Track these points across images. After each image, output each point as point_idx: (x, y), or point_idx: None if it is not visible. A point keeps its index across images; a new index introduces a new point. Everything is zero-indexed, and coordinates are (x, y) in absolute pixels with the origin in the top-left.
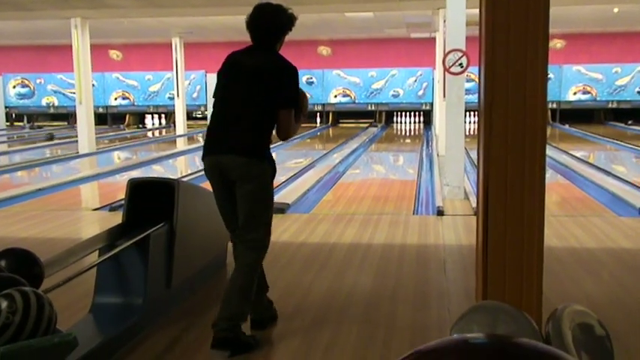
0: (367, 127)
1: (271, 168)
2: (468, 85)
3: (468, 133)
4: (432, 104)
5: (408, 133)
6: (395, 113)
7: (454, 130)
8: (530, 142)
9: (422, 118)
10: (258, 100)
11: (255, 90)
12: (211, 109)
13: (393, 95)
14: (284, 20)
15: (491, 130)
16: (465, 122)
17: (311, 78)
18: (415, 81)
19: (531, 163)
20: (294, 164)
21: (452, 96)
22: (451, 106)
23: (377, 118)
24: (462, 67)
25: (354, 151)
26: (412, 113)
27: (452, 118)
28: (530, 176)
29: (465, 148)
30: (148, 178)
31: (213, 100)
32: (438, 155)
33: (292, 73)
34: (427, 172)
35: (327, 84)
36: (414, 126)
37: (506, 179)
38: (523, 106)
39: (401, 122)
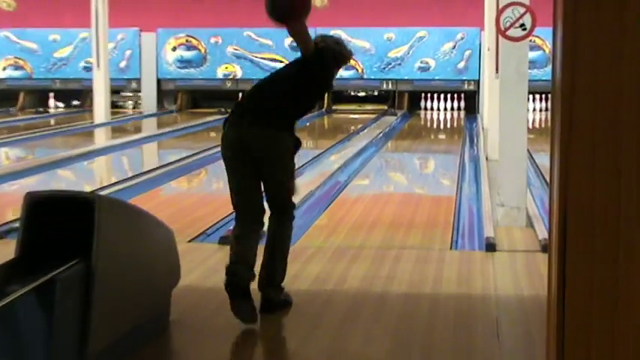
0: (381, 116)
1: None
2: (533, 54)
3: (532, 126)
4: (478, 83)
5: (441, 126)
6: (423, 95)
7: (512, 123)
8: (629, 143)
9: (463, 104)
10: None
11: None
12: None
13: (420, 68)
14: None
15: (571, 125)
16: (529, 110)
17: None
18: (454, 48)
19: (630, 176)
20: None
21: (509, 71)
22: (508, 87)
23: (396, 101)
24: (524, 29)
25: (360, 151)
26: (448, 96)
27: (509, 104)
28: (629, 194)
29: (528, 150)
30: (54, 191)
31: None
32: (487, 160)
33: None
34: (471, 186)
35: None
36: (451, 114)
37: (593, 199)
38: (620, 89)
39: (431, 108)
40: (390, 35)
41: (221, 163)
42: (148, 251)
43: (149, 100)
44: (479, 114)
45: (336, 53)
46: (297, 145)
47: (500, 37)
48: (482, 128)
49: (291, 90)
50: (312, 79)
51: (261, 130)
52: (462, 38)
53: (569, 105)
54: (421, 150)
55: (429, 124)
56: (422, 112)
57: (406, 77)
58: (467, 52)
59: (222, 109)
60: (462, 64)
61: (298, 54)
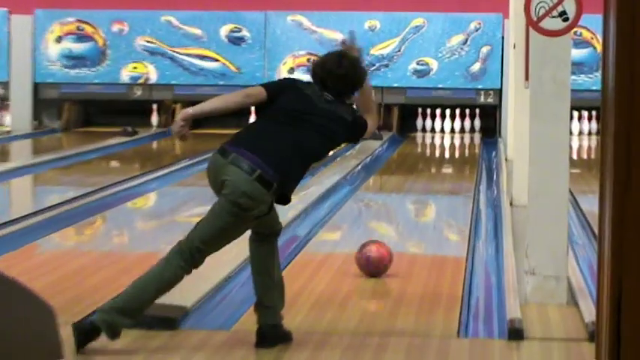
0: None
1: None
2: (578, 53)
3: (578, 157)
4: (499, 93)
5: (446, 155)
6: (420, 111)
7: (548, 152)
8: None
9: (478, 123)
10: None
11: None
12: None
13: (416, 72)
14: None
15: (629, 156)
16: (573, 134)
17: (239, 29)
18: (465, 43)
19: None
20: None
21: (544, 78)
22: (542, 100)
23: (381, 119)
24: (565, 18)
25: (329, 191)
26: (457, 112)
27: (543, 124)
28: None
29: (571, 192)
30: None
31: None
32: (512, 205)
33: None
34: (488, 243)
35: (274, 42)
36: (461, 139)
37: None
38: None
39: (432, 130)
40: (372, 23)
41: (126, 207)
42: (6, 342)
43: (21, 114)
44: (500, 138)
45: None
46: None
47: (531, 29)
48: (506, 159)
49: (320, 147)
50: (338, 142)
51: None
52: (477, 29)
53: (626, 126)
54: (417, 190)
55: (428, 152)
56: (419, 135)
57: (396, 84)
58: (484, 50)
59: (129, 129)
60: (476, 67)
61: (240, 48)
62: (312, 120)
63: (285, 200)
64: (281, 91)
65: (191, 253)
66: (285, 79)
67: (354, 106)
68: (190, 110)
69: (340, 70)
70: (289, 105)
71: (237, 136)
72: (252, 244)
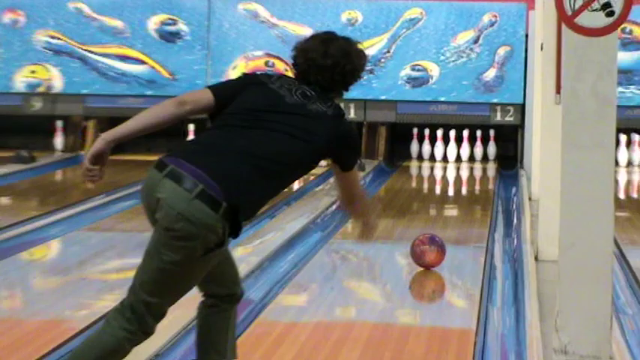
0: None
1: None
2: (627, 57)
3: (625, 196)
4: (521, 110)
5: (450, 191)
6: (415, 132)
7: (586, 190)
8: None
9: (493, 150)
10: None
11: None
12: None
13: (410, 80)
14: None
15: None
16: (620, 165)
17: (173, 22)
18: (476, 42)
19: None
20: (119, 273)
21: (581, 91)
22: (578, 120)
23: (363, 143)
24: (610, 12)
25: (293, 238)
26: (465, 134)
27: (580, 152)
28: None
29: (617, 243)
30: None
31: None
32: (536, 260)
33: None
34: (505, 310)
35: (221, 39)
36: (470, 170)
37: None
38: None
39: (432, 158)
40: (353, 15)
41: (20, 259)
42: None
43: None
44: (522, 171)
45: None
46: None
47: (564, 25)
48: (530, 198)
49: (291, 152)
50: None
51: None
52: (493, 24)
53: None
54: (411, 238)
55: (426, 187)
56: (413, 165)
57: (383, 97)
58: (501, 51)
59: (25, 153)
60: (490, 74)
61: (175, 47)
62: (279, 119)
63: (236, 230)
64: (236, 91)
65: (134, 310)
66: (243, 75)
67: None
68: (106, 137)
69: (326, 61)
70: (248, 104)
71: (181, 146)
72: (201, 311)
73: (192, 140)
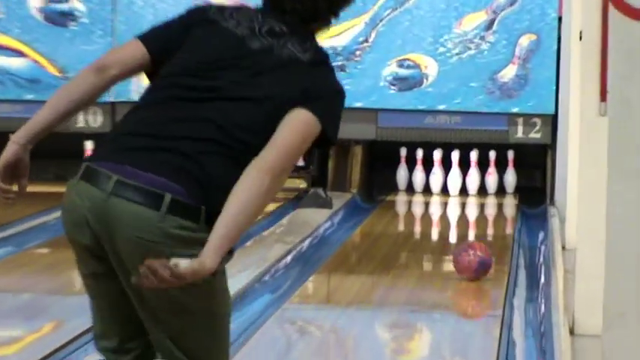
0: (292, 205)
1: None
2: None
3: None
4: (552, 123)
5: (453, 236)
6: (404, 152)
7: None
8: None
9: (512, 179)
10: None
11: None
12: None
13: (396, 79)
14: None
15: None
16: None
17: None
18: (490, 27)
19: None
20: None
21: (634, 97)
22: (630, 136)
23: (331, 169)
24: None
25: (234, 301)
26: (473, 156)
27: (632, 181)
28: None
29: None
30: None
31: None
32: (572, 333)
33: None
34: None
35: (131, 22)
36: (481, 207)
37: None
38: None
39: (427, 189)
40: None
41: None
42: None
43: None
44: (554, 208)
45: None
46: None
47: (611, 6)
48: (563, 247)
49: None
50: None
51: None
52: (513, 3)
53: None
54: (396, 303)
55: (418, 230)
56: (400, 200)
57: (359, 104)
58: (524, 42)
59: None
60: (509, 73)
61: (67, 33)
62: (239, 78)
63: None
64: (178, 38)
65: None
66: (187, 11)
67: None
68: (18, 139)
69: None
70: (196, 56)
71: (109, 138)
72: None
73: (123, 124)
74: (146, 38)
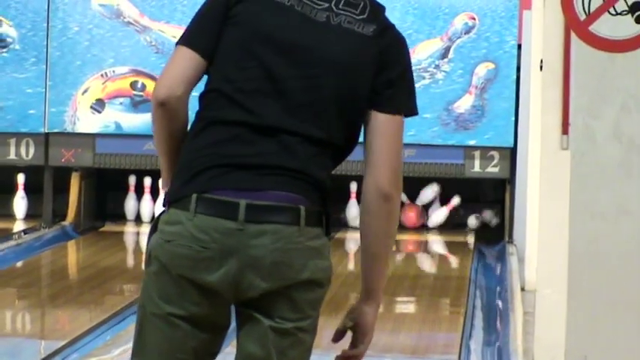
0: None
1: None
2: None
3: None
4: (510, 156)
5: (406, 279)
6: (355, 187)
7: (609, 282)
8: None
9: (469, 218)
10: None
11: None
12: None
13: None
14: None
15: None
16: None
17: None
18: (445, 55)
19: None
20: None
21: (598, 129)
22: (594, 171)
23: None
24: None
25: None
26: (428, 191)
27: (596, 220)
28: None
29: None
30: None
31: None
32: None
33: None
34: None
35: (67, 49)
36: (434, 248)
37: None
38: None
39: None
40: None
41: None
42: None
43: None
44: (512, 246)
45: None
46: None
47: (574, 34)
48: (522, 289)
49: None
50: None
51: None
52: (470, 30)
53: None
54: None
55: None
56: (351, 237)
57: None
58: (481, 70)
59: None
60: (465, 103)
61: None
62: (309, 72)
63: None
64: (224, 28)
65: None
66: None
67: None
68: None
69: None
70: (248, 57)
71: (205, 164)
72: None
73: (213, 144)
74: (193, 43)
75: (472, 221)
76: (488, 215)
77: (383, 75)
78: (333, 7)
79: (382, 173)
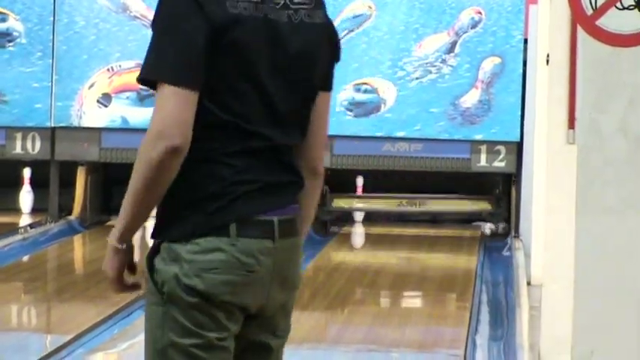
0: None
1: None
2: None
3: None
4: (516, 151)
5: (412, 273)
6: (361, 182)
7: (615, 277)
8: None
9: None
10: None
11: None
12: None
13: (351, 104)
14: None
15: None
16: None
17: (2, 17)
18: (451, 50)
19: None
20: None
21: (605, 124)
22: (600, 166)
23: None
24: None
25: None
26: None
27: (603, 216)
28: None
29: None
30: None
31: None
32: None
33: None
34: None
35: (72, 42)
36: (441, 243)
37: None
38: None
39: (383, 226)
40: None
41: None
42: None
43: None
44: (518, 241)
45: None
46: None
47: (580, 29)
48: (528, 283)
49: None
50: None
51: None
52: (476, 24)
53: None
54: (352, 340)
55: (375, 264)
56: (357, 231)
57: None
58: (487, 64)
59: None
60: (472, 98)
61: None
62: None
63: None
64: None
65: None
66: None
67: None
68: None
69: None
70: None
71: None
72: None
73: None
74: (193, 79)
75: (486, 230)
76: (488, 228)
77: (334, 56)
78: (288, 3)
79: (319, 155)
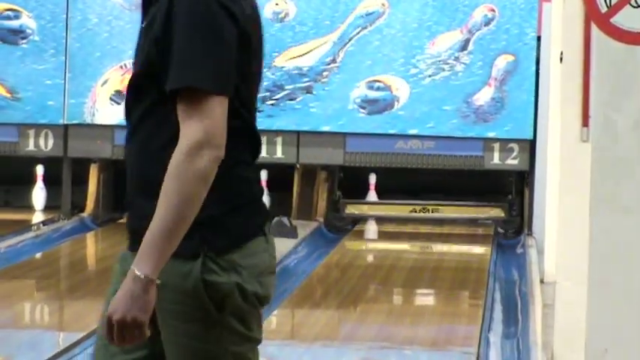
0: None
1: None
2: None
3: None
4: (529, 149)
5: (426, 269)
6: (374, 179)
7: (629, 275)
8: None
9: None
10: None
11: None
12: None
13: (365, 102)
14: None
15: None
16: None
17: (16, 14)
18: (464, 47)
19: None
20: None
21: (620, 122)
22: (615, 165)
23: (295, 195)
24: None
25: None
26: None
27: (618, 214)
28: None
29: None
30: None
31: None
32: None
33: None
34: None
35: (85, 40)
36: (454, 240)
37: None
38: None
39: (397, 224)
40: (281, 6)
41: None
42: None
43: None
44: (531, 239)
45: None
46: None
47: (594, 27)
48: (541, 281)
49: None
50: None
51: None
52: (489, 21)
53: None
54: (366, 337)
55: (387, 262)
56: (370, 229)
57: (327, 127)
58: (501, 62)
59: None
60: (485, 96)
61: (17, 51)
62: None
63: None
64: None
65: None
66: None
67: None
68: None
69: None
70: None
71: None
72: None
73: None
74: (228, 90)
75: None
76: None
77: None
78: None
79: None
